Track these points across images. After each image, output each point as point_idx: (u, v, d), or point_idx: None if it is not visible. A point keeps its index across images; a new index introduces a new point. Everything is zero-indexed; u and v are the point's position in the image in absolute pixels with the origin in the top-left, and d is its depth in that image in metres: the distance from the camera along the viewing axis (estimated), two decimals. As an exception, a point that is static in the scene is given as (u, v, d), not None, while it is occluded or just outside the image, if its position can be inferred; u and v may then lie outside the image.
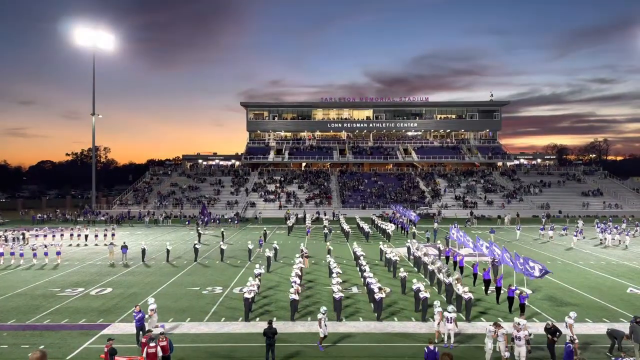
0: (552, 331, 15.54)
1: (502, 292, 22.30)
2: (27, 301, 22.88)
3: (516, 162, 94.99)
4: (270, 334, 15.30)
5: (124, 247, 34.15)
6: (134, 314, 17.30)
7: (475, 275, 26.02)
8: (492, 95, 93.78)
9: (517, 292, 20.39)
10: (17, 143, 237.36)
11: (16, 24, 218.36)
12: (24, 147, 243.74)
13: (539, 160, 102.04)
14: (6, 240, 42.37)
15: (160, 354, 13.87)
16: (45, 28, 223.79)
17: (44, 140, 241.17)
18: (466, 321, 19.30)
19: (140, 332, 16.65)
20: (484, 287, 24.12)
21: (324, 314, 16.75)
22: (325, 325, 16.61)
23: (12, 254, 33.58)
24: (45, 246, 36.38)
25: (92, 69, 73.14)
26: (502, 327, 15.45)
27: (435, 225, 46.21)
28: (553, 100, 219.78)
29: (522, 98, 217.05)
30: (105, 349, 14.02)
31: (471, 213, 62.99)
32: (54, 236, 44.45)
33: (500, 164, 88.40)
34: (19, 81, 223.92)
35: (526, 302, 19.89)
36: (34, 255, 33.08)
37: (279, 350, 15.99)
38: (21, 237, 43.19)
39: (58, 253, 33.42)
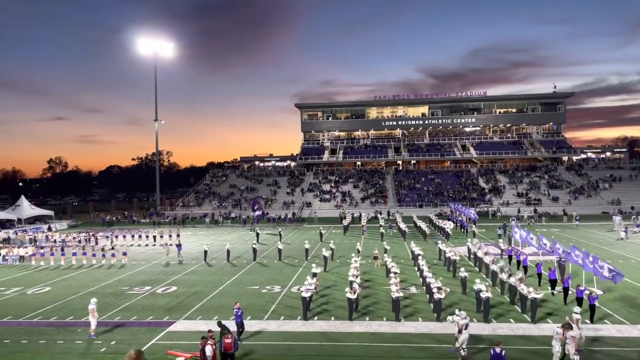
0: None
1: (570, 292, 21.25)
2: (99, 299, 24.03)
3: (583, 156, 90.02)
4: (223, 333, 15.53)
5: (179, 246, 36.37)
6: (234, 309, 17.70)
7: (539, 275, 24.93)
8: (555, 86, 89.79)
9: (587, 292, 19.35)
10: (87, 149, 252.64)
11: (83, 36, 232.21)
12: (94, 153, 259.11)
13: (608, 154, 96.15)
14: (79, 241, 45.08)
15: (209, 352, 14.07)
16: (110, 39, 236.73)
17: (112, 146, 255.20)
18: (531, 323, 18.54)
19: (240, 330, 17.34)
20: (549, 288, 23.09)
21: (463, 318, 16.26)
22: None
23: (85, 254, 35.74)
24: (114, 247, 38.44)
25: (153, 77, 76.53)
26: (571, 329, 14.72)
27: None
28: (621, 89, 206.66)
29: (588, 89, 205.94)
30: (210, 340, 14.31)
31: (535, 210, 60.46)
32: (124, 237, 46.81)
33: (565, 158, 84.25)
34: (87, 91, 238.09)
35: (596, 303, 18.84)
36: (103, 255, 35.02)
37: (338, 350, 16.06)
38: (92, 238, 45.79)
39: (124, 253, 35.28)
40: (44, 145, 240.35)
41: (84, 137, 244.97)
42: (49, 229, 57.18)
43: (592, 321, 18.42)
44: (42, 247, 40.58)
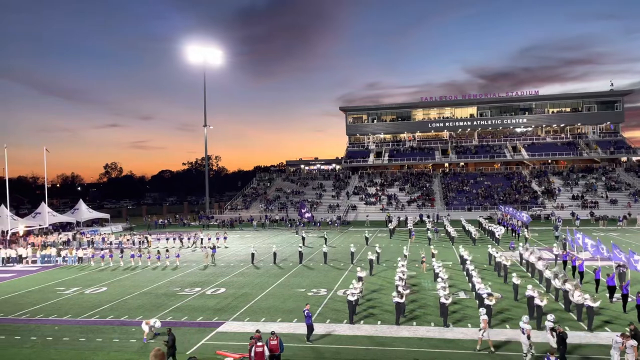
0: (562, 338, 14.64)
1: (629, 299, 20.16)
2: (152, 299, 25.06)
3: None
4: (171, 341, 15.69)
5: (213, 249, 37.43)
6: (304, 311, 17.94)
7: (597, 281, 23.80)
8: (612, 84, 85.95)
9: (649, 300, 18.29)
10: (140, 155, 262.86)
11: (136, 46, 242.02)
12: (146, 158, 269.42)
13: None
14: (133, 243, 46.86)
15: (267, 353, 14.34)
16: (161, 48, 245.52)
17: (163, 151, 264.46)
18: (588, 331, 17.72)
19: (311, 331, 17.64)
20: (607, 295, 22.00)
21: (554, 322, 15.84)
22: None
23: (140, 255, 37.11)
24: (167, 250, 39.68)
25: (202, 84, 78.67)
26: (631, 338, 13.95)
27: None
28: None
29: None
30: (260, 341, 14.47)
31: (592, 214, 57.82)
32: (174, 239, 48.26)
33: (624, 159, 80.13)
34: (140, 98, 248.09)
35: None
36: (158, 258, 36.24)
37: (385, 354, 15.92)
38: (145, 240, 47.49)
39: (177, 255, 36.39)
40: (100, 151, 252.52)
41: (137, 143, 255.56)
42: (130, 228, 63.23)
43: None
44: (101, 249, 42.50)
